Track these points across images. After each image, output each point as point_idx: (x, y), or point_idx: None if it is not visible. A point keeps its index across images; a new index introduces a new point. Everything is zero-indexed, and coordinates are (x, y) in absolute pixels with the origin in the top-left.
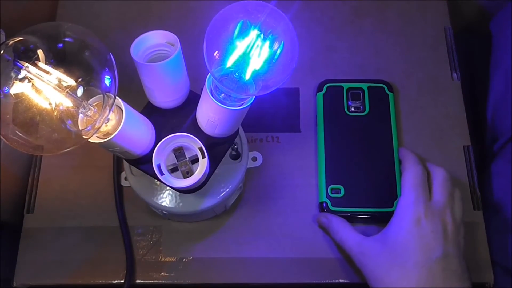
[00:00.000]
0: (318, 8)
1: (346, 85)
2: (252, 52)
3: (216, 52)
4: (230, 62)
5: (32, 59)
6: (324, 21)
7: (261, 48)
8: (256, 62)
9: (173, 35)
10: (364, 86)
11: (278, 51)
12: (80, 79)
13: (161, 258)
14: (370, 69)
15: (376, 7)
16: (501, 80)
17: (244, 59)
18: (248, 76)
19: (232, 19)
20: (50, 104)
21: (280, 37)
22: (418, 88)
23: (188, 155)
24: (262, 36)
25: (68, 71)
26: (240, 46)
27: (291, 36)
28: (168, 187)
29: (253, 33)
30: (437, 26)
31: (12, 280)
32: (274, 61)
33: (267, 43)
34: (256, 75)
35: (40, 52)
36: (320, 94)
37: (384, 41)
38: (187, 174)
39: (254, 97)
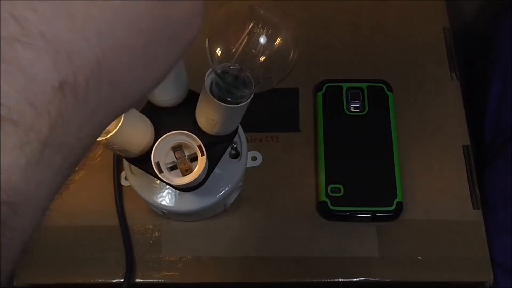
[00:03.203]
0: (318, 8)
1: (345, 85)
2: (253, 47)
3: (218, 48)
4: (231, 58)
5: None
6: (323, 21)
7: (262, 43)
8: (257, 58)
9: None
10: (364, 85)
11: (279, 46)
12: None
13: (160, 257)
14: (369, 68)
15: (375, 7)
16: (500, 79)
17: (245, 55)
18: (249, 72)
19: (235, 15)
20: None
21: (281, 32)
22: (417, 87)
23: (187, 153)
24: (263, 31)
25: None
26: (241, 42)
27: (292, 30)
28: (167, 186)
29: (255, 28)
30: (436, 26)
31: (12, 279)
32: (275, 56)
33: (268, 38)
34: (257, 70)
35: None
36: (320, 93)
37: (383, 40)
38: (186, 172)
39: (252, 94)
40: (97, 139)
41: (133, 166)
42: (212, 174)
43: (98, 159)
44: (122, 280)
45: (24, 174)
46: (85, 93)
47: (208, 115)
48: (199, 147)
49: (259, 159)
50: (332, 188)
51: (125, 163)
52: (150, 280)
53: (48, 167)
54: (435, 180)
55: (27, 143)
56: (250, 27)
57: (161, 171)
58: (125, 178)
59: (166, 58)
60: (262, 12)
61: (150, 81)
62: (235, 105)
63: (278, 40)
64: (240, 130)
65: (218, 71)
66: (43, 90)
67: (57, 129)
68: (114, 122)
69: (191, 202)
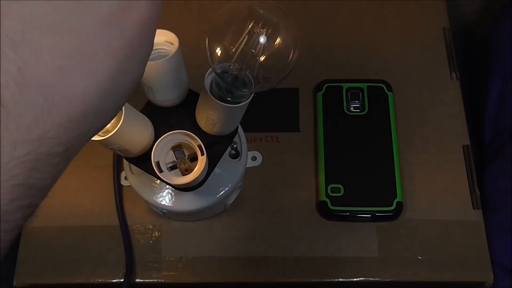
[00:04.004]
0: (318, 8)
1: (345, 85)
2: (253, 47)
3: (218, 48)
4: (231, 57)
5: None
6: (323, 21)
7: (261, 43)
8: (257, 58)
9: (172, 33)
10: (364, 85)
11: (279, 46)
12: None
13: (160, 257)
14: (369, 69)
15: (375, 7)
16: (500, 79)
17: (245, 54)
18: (249, 72)
19: (235, 14)
20: None
21: (281, 32)
22: (417, 87)
23: (187, 152)
24: (263, 30)
25: None
26: (241, 42)
27: (292, 31)
28: (167, 186)
29: (255, 28)
30: (436, 26)
31: (12, 279)
32: (275, 56)
33: (268, 38)
34: (257, 70)
35: None
36: (320, 93)
37: (383, 41)
38: (186, 171)
39: (252, 94)
40: (97, 139)
41: (133, 166)
42: (212, 174)
43: (98, 159)
44: (122, 280)
45: None
46: (14, 107)
47: (208, 115)
48: (199, 146)
49: (259, 159)
50: (332, 188)
51: (125, 163)
52: (150, 280)
53: None
54: (435, 180)
55: None
56: (250, 27)
57: (161, 171)
58: (125, 178)
59: (106, 59)
60: (262, 12)
61: (94, 88)
62: (235, 105)
63: (278, 40)
64: (240, 130)
65: (218, 70)
66: None
67: None
68: (114, 122)
69: (191, 202)
